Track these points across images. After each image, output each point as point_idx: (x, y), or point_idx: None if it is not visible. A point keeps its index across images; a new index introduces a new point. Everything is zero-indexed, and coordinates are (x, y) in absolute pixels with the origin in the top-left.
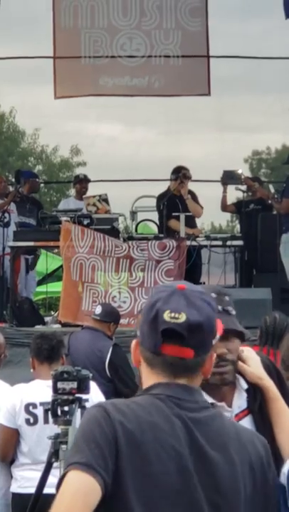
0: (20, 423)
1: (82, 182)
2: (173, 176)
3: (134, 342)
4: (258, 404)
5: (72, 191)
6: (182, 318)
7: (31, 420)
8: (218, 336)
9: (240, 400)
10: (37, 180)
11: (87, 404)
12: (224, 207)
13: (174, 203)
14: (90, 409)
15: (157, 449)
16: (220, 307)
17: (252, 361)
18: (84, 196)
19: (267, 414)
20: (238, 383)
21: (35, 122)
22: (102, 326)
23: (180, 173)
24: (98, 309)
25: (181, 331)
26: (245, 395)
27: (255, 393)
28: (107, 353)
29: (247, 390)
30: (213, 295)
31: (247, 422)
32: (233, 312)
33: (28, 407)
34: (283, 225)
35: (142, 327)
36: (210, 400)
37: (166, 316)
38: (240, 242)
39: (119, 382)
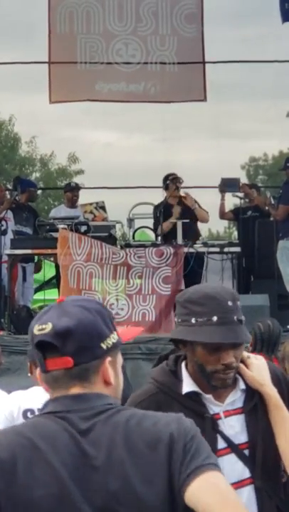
0: None
1: (73, 190)
2: (164, 185)
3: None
4: (252, 405)
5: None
6: (48, 327)
7: None
8: (113, 340)
9: (233, 398)
10: (35, 190)
11: None
12: (222, 214)
13: (170, 211)
14: None
15: (34, 472)
16: (235, 317)
17: (256, 367)
18: (81, 204)
19: (261, 417)
20: (237, 382)
21: (32, 129)
22: None
23: (168, 180)
24: None
25: (50, 340)
26: (240, 394)
27: (253, 395)
28: None
29: (244, 390)
30: (230, 303)
31: (237, 420)
32: (243, 318)
33: (26, 413)
34: (280, 231)
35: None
36: (195, 389)
37: (35, 330)
38: (237, 249)
39: None
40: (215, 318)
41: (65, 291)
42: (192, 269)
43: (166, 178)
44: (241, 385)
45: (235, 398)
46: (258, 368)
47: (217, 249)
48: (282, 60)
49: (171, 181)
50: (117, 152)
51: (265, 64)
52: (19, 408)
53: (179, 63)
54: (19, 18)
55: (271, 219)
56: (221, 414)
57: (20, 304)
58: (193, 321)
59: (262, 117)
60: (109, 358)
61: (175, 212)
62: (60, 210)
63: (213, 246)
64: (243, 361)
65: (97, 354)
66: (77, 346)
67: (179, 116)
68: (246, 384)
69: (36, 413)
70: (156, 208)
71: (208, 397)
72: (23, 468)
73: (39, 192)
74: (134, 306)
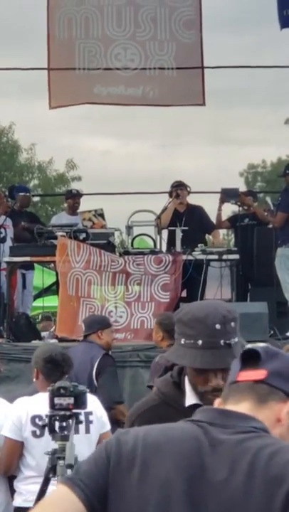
0: (27, 435)
1: (74, 197)
2: (170, 192)
3: None
4: None
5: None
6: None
7: (37, 432)
8: None
9: None
10: (27, 194)
11: (91, 417)
12: (219, 224)
13: (174, 218)
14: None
15: (149, 471)
16: (222, 341)
17: None
18: (79, 211)
19: None
20: None
21: (31, 136)
22: (92, 337)
23: (173, 187)
24: (82, 327)
25: (259, 351)
26: None
27: None
28: (96, 362)
29: None
30: (218, 327)
31: None
32: (235, 340)
33: (35, 419)
34: (279, 238)
35: None
36: (197, 401)
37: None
38: (236, 256)
39: (99, 387)
40: (200, 342)
41: (64, 298)
42: (191, 277)
43: (172, 186)
44: None
45: None
46: None
47: (216, 257)
48: (281, 66)
49: (178, 188)
50: (115, 159)
51: (263, 70)
52: (27, 414)
53: (177, 68)
54: (18, 24)
55: (269, 226)
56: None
57: (20, 312)
58: (182, 341)
59: (260, 124)
60: None
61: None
62: (62, 218)
63: (211, 253)
64: None
65: (287, 390)
66: (278, 369)
67: (177, 123)
68: None
69: (44, 419)
70: (161, 213)
71: None
72: (140, 466)
73: (37, 199)
74: (132, 313)
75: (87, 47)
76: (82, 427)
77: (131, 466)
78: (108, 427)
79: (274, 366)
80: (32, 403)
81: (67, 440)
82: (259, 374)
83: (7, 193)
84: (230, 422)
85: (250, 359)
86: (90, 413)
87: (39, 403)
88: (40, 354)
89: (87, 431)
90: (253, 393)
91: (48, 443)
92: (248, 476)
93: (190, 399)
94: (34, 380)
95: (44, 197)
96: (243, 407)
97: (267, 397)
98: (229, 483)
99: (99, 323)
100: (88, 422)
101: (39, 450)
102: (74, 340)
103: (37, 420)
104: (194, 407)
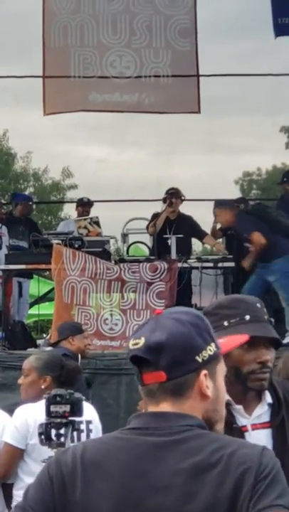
0: (35, 442)
1: (85, 205)
2: (164, 198)
3: None
4: (279, 419)
5: (69, 214)
6: (141, 342)
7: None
8: (210, 352)
9: (260, 411)
10: (30, 203)
11: (91, 426)
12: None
13: (165, 225)
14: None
15: (90, 488)
16: (266, 317)
17: None
18: (75, 219)
19: (287, 432)
20: (263, 396)
21: (26, 144)
22: (63, 343)
23: (168, 194)
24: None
25: (142, 355)
26: (266, 408)
27: (279, 409)
28: None
29: (270, 405)
30: (258, 305)
31: (265, 435)
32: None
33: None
34: None
35: None
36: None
37: (130, 344)
38: (231, 264)
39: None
40: (248, 317)
41: (59, 306)
42: (186, 284)
43: (167, 192)
44: (268, 399)
45: (262, 412)
46: None
47: (211, 264)
48: (276, 74)
49: (173, 196)
50: (111, 166)
51: (258, 78)
52: (35, 422)
53: (173, 76)
54: (14, 32)
55: None
56: (248, 426)
57: (15, 320)
58: (225, 323)
59: (255, 131)
60: (204, 371)
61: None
62: (69, 225)
63: (207, 261)
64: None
65: (192, 368)
66: (170, 360)
67: (172, 131)
68: (273, 398)
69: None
70: (151, 221)
71: (238, 408)
72: (81, 485)
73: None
74: (128, 321)
75: (83, 54)
76: (83, 436)
77: (73, 486)
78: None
79: (166, 361)
80: (39, 410)
81: (64, 448)
82: (158, 377)
83: (3, 200)
84: (166, 424)
85: (141, 361)
86: (90, 422)
87: (41, 411)
88: (55, 362)
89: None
90: (163, 392)
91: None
92: (192, 476)
93: None
94: (43, 387)
95: (39, 205)
96: (165, 406)
97: (178, 390)
98: (173, 487)
99: (69, 330)
100: (88, 431)
101: (44, 456)
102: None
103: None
104: None
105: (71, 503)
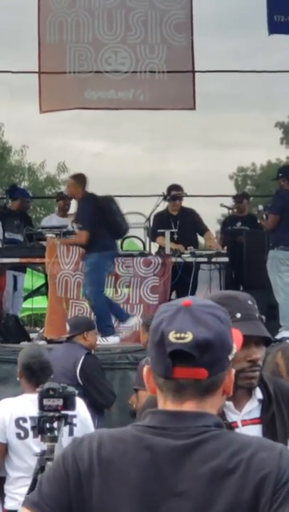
0: (11, 437)
1: (65, 199)
2: (166, 195)
3: (145, 369)
4: (269, 415)
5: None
6: (189, 337)
7: (22, 434)
8: (234, 350)
9: (251, 408)
10: (28, 200)
11: (75, 420)
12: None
13: (163, 221)
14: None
15: (108, 486)
16: (257, 315)
17: None
18: (69, 213)
19: (278, 429)
20: (254, 392)
21: (22, 138)
22: (77, 338)
23: (172, 191)
24: (67, 327)
25: (189, 351)
26: (257, 404)
27: (270, 404)
28: (79, 362)
29: (261, 400)
30: (250, 302)
31: (255, 431)
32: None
33: (19, 422)
34: (270, 241)
35: (150, 352)
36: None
37: (172, 337)
38: (225, 259)
39: (92, 390)
40: (239, 315)
41: (53, 300)
42: (180, 279)
43: (171, 189)
44: (258, 395)
45: (252, 408)
46: None
47: (205, 259)
48: (270, 71)
49: (177, 197)
50: (106, 161)
51: (253, 74)
52: (11, 416)
53: (168, 72)
54: (9, 27)
55: (263, 230)
56: (238, 422)
57: (9, 313)
58: None
59: (250, 127)
60: (233, 370)
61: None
62: (52, 219)
63: (201, 256)
64: None
65: (225, 366)
66: (213, 359)
67: (167, 126)
68: (263, 394)
69: (28, 421)
70: (156, 218)
71: (228, 404)
72: (99, 483)
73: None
74: None
75: (78, 51)
76: (65, 429)
77: (90, 486)
78: (92, 429)
79: (210, 359)
80: (16, 405)
81: (56, 441)
82: (199, 374)
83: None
84: (183, 424)
85: (180, 355)
86: (75, 416)
87: (23, 404)
88: (21, 358)
89: (71, 433)
90: (197, 390)
91: (34, 444)
92: (211, 481)
93: None
94: (18, 379)
95: (33, 199)
96: (189, 403)
97: (210, 387)
98: (192, 492)
99: (85, 325)
100: (72, 425)
101: (26, 451)
102: (63, 342)
103: (21, 422)
104: None
105: (87, 504)
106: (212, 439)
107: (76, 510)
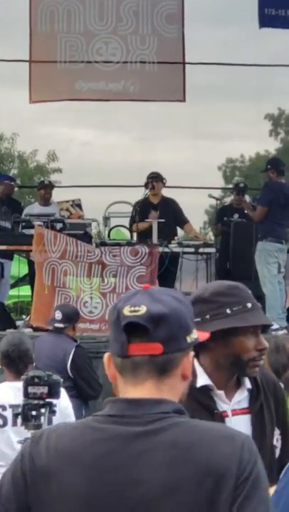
0: None
1: (46, 187)
2: (146, 183)
3: (106, 356)
4: (258, 405)
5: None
6: (142, 309)
7: (1, 422)
8: (195, 335)
9: (240, 397)
10: (12, 183)
11: (55, 409)
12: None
13: (143, 209)
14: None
15: (63, 477)
16: (259, 304)
17: None
18: (57, 201)
19: (267, 419)
20: (243, 382)
21: (11, 127)
22: (66, 329)
23: (150, 178)
24: (58, 315)
25: (142, 323)
26: (246, 393)
27: (258, 394)
28: (70, 354)
29: (249, 390)
30: (250, 292)
31: (244, 421)
32: None
33: None
34: (259, 232)
35: (110, 334)
36: (209, 383)
37: (126, 311)
38: (212, 250)
39: (82, 381)
40: (249, 305)
41: (40, 288)
42: (166, 269)
43: (148, 177)
44: (247, 385)
45: (242, 398)
46: None
47: (192, 250)
48: (261, 64)
49: (154, 179)
50: (95, 150)
51: (244, 66)
52: None
53: (158, 63)
54: (0, 15)
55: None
56: (228, 412)
57: None
58: (228, 311)
59: (239, 119)
60: (192, 353)
61: (153, 213)
62: (33, 208)
63: (188, 246)
64: None
65: (182, 346)
66: (168, 334)
67: (157, 117)
68: (252, 384)
69: (8, 409)
70: (135, 205)
71: (219, 394)
72: (56, 479)
73: (16, 189)
74: (108, 304)
75: (69, 41)
76: (43, 418)
77: (48, 481)
78: (72, 418)
79: (165, 334)
80: None
81: (40, 429)
82: (154, 348)
83: None
84: (140, 411)
85: (133, 331)
86: (55, 405)
87: (3, 392)
88: (1, 345)
89: (50, 422)
90: (152, 368)
91: (12, 433)
92: (170, 470)
93: (202, 380)
94: (0, 366)
95: (22, 188)
96: (147, 386)
97: (167, 366)
98: (150, 481)
99: (76, 316)
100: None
101: (3, 439)
102: (49, 330)
103: (1, 410)
104: (204, 388)
105: (45, 498)
106: (171, 427)
107: (35, 507)
